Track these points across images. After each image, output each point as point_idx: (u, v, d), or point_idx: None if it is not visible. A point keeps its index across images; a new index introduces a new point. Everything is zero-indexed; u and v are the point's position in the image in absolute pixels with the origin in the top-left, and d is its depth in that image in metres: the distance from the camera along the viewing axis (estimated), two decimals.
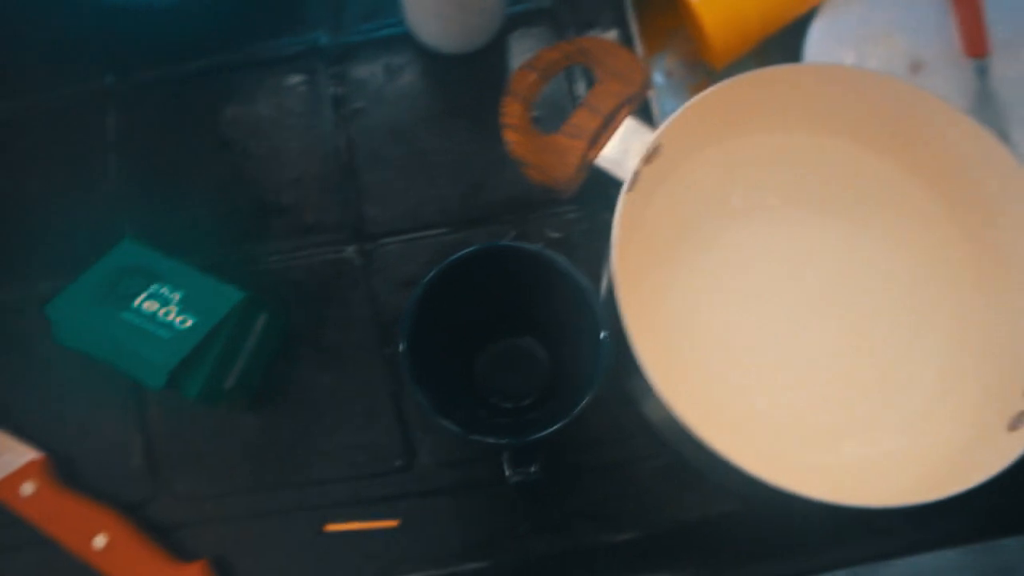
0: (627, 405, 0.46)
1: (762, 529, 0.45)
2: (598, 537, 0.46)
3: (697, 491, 0.46)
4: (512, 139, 0.41)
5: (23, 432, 0.48)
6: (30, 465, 0.47)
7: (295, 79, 0.53)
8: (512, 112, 0.41)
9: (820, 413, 0.43)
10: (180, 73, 0.54)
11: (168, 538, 0.47)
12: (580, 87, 0.52)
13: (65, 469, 0.48)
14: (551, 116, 0.51)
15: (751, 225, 0.47)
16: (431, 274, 0.39)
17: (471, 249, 0.40)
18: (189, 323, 0.41)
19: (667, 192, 0.46)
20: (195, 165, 0.52)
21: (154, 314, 0.41)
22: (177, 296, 0.42)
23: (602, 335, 0.38)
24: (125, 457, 0.48)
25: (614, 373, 0.38)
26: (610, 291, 0.39)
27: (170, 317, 0.41)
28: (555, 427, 0.37)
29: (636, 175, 0.40)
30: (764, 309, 0.45)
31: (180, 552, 0.47)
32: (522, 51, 0.53)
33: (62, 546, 0.46)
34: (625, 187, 0.40)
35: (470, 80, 0.52)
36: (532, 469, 0.40)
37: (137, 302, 0.41)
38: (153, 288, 0.42)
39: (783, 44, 0.53)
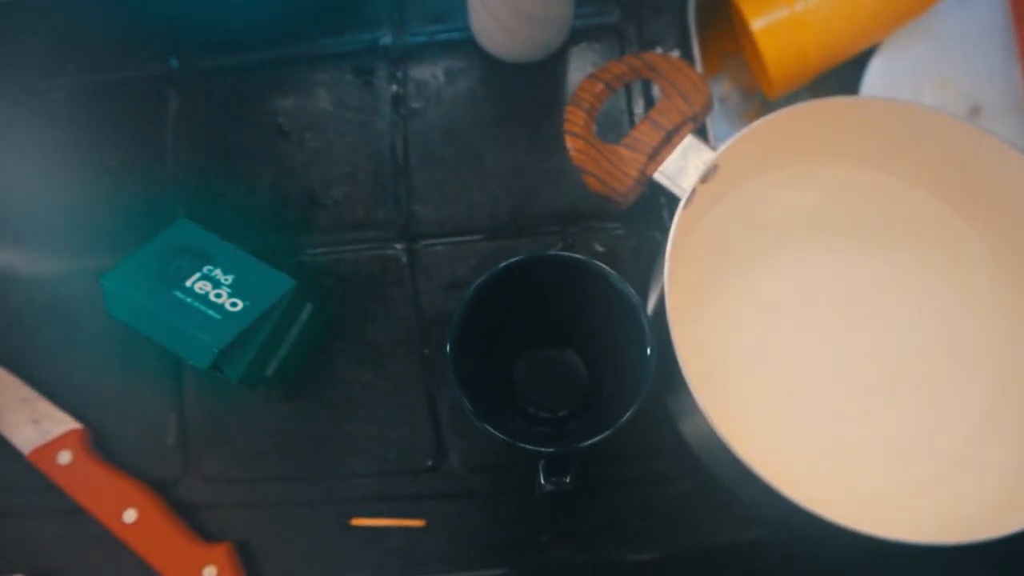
0: (660, 424, 0.46)
1: (790, 559, 0.45)
2: (621, 554, 0.46)
3: (725, 515, 0.46)
4: (574, 146, 0.41)
5: (64, 403, 0.49)
6: (68, 435, 0.48)
7: (355, 76, 0.54)
8: (576, 119, 0.42)
9: (858, 445, 0.43)
10: (242, 62, 0.54)
11: (195, 518, 0.48)
12: (638, 104, 0.52)
13: (101, 442, 0.49)
14: (608, 130, 0.52)
15: (796, 253, 0.47)
16: (482, 279, 0.40)
17: (524, 256, 0.40)
18: (239, 306, 0.41)
19: (717, 214, 0.46)
20: (251, 153, 0.53)
21: (205, 295, 0.41)
22: (229, 279, 0.42)
23: (649, 351, 0.38)
24: (160, 435, 0.49)
25: (654, 389, 0.38)
26: (659, 306, 0.39)
27: (221, 299, 0.41)
28: (599, 437, 0.37)
29: (693, 193, 0.40)
30: (805, 336, 0.45)
31: (205, 533, 0.47)
32: (584, 65, 0.53)
33: (93, 517, 0.46)
34: (682, 204, 0.40)
35: (530, 90, 0.53)
36: (567, 479, 0.40)
37: (190, 282, 0.42)
38: (206, 269, 0.42)
39: (840, 79, 0.53)
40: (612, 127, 0.52)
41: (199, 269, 0.42)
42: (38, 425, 0.49)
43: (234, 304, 0.41)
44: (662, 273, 0.39)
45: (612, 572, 0.46)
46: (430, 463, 0.48)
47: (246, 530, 0.48)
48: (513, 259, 0.39)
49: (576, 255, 0.40)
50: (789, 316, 0.46)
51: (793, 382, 0.44)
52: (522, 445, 0.38)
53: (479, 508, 0.47)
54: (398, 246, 0.51)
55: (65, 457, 0.47)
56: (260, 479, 0.48)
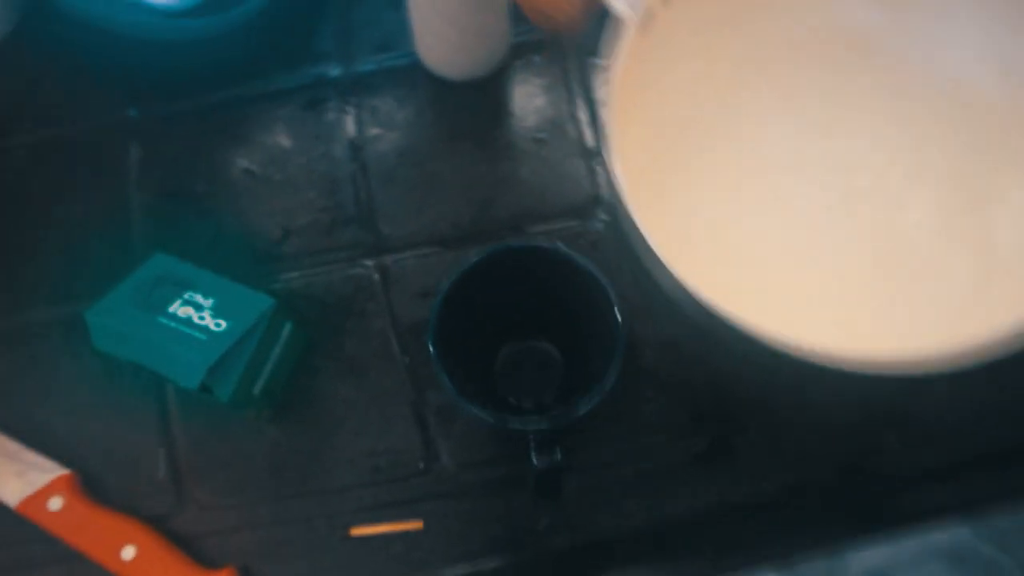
0: (638, 401, 0.48)
1: (778, 517, 0.47)
2: (616, 528, 0.47)
3: (714, 480, 0.48)
4: None
5: (50, 450, 0.49)
6: (57, 481, 0.48)
7: (309, 108, 0.56)
8: None
9: (844, 293, 0.41)
10: (199, 105, 0.57)
11: (193, 548, 0.48)
12: (582, 110, 0.55)
13: (92, 484, 0.49)
14: (555, 137, 0.55)
15: (764, 109, 0.44)
16: (455, 274, 0.42)
17: (494, 248, 0.42)
18: (223, 326, 0.43)
19: (675, 76, 0.43)
20: (215, 191, 0.55)
21: (189, 318, 0.43)
22: (210, 302, 0.44)
23: (619, 317, 0.40)
24: (150, 470, 0.49)
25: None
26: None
27: (204, 321, 0.43)
28: (587, 406, 0.39)
29: (649, 13, 0.37)
30: (781, 190, 0.44)
31: (206, 561, 0.48)
32: (525, 77, 0.56)
33: (90, 560, 0.46)
34: (631, 22, 0.37)
35: (477, 105, 0.56)
36: (558, 456, 0.41)
37: (172, 308, 0.43)
38: (187, 295, 0.44)
39: None
40: (559, 134, 0.55)
41: (180, 295, 0.44)
42: (24, 477, 0.49)
43: (218, 325, 0.43)
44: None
45: (607, 548, 0.47)
46: (421, 466, 0.49)
47: (246, 554, 0.48)
48: (479, 255, 0.42)
49: (541, 243, 0.43)
50: (760, 172, 0.44)
51: (768, 233, 0.43)
52: (512, 426, 0.40)
53: (474, 504, 0.48)
54: (368, 263, 0.53)
55: (56, 504, 0.47)
56: (254, 502, 0.49)
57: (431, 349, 0.41)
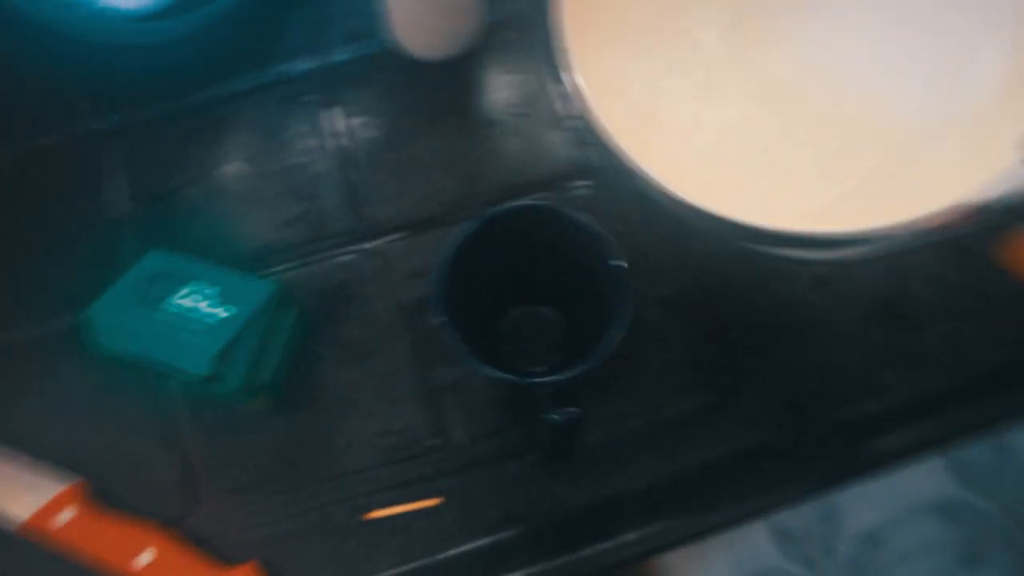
0: (641, 343, 0.49)
1: (776, 465, 0.48)
2: (629, 484, 0.48)
3: (721, 430, 0.49)
4: None
5: (59, 461, 0.48)
6: (68, 491, 0.47)
7: (288, 103, 0.56)
8: None
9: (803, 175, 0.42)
10: (180, 107, 0.56)
11: (211, 547, 0.47)
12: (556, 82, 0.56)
13: (103, 493, 0.48)
14: (533, 111, 0.56)
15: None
16: (456, 241, 0.42)
17: (491, 211, 0.43)
18: (227, 313, 0.43)
19: None
20: (203, 191, 0.54)
21: (193, 308, 0.43)
22: (212, 291, 0.43)
23: (624, 264, 0.41)
24: (161, 472, 0.49)
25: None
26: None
27: (209, 309, 0.43)
28: (596, 355, 0.39)
29: None
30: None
31: (225, 559, 0.47)
32: (499, 54, 0.57)
33: (108, 570, 0.46)
34: None
35: (454, 84, 0.56)
36: (569, 409, 0.42)
37: (174, 300, 0.43)
38: (188, 286, 0.43)
39: None
40: (537, 107, 0.56)
41: (181, 287, 0.43)
42: (34, 490, 0.48)
43: (223, 311, 0.43)
44: None
45: (619, 506, 0.48)
46: (434, 442, 0.49)
47: (266, 548, 0.48)
48: (482, 216, 0.42)
49: (537, 203, 0.43)
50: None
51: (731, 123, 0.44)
52: (527, 380, 0.40)
53: (491, 474, 0.48)
54: (361, 248, 0.53)
55: (68, 514, 0.47)
56: (268, 495, 0.48)
57: (442, 318, 0.41)
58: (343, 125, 0.56)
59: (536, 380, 0.40)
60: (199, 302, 0.43)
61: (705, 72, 0.45)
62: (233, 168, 0.55)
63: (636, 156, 0.38)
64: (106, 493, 0.48)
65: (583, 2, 0.40)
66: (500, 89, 0.57)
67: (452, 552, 0.47)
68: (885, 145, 0.41)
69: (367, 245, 0.53)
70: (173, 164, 0.55)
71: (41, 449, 0.49)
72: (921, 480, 1.19)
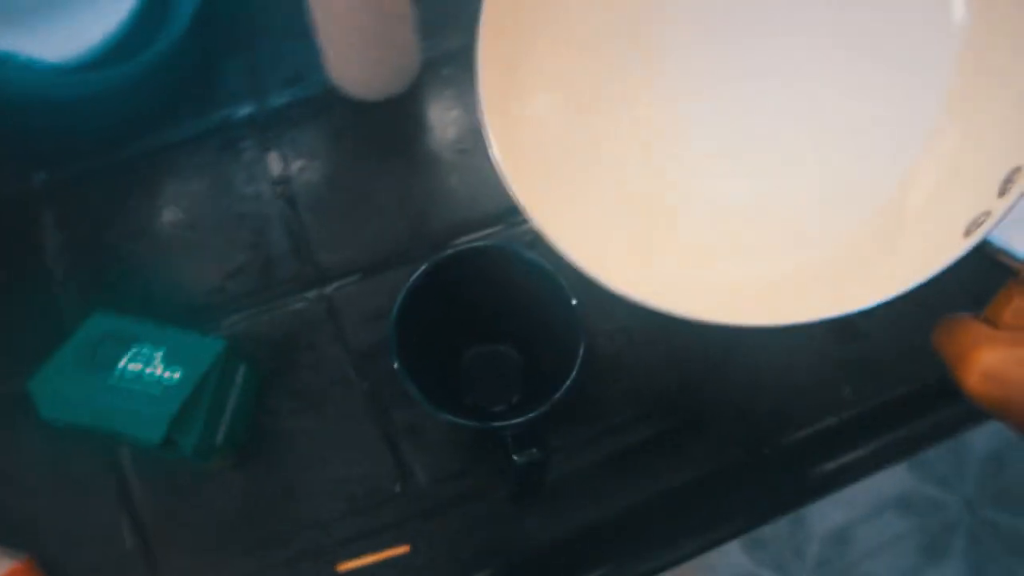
0: (603, 381, 0.49)
1: (743, 485, 0.48)
2: (599, 513, 0.48)
3: (687, 456, 0.49)
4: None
5: (3, 537, 0.46)
6: (15, 571, 0.45)
7: (226, 150, 0.55)
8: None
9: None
10: (111, 161, 0.55)
11: None
12: None
13: (53, 568, 0.46)
14: (476, 146, 0.55)
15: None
16: (406, 288, 0.42)
17: (439, 256, 0.43)
18: (177, 375, 0.41)
19: None
20: (140, 247, 0.53)
21: (140, 373, 0.41)
22: (159, 354, 0.42)
23: (573, 301, 0.41)
24: (115, 541, 0.47)
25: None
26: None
27: (157, 373, 0.41)
28: (558, 394, 0.39)
29: None
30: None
31: None
32: (439, 90, 0.57)
33: None
34: None
35: (396, 123, 0.56)
36: (536, 450, 0.42)
37: (121, 364, 0.41)
38: (134, 349, 0.42)
39: None
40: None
41: (127, 351, 0.42)
42: None
43: (172, 374, 0.41)
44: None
45: (593, 534, 0.48)
46: (398, 487, 0.48)
47: None
48: (431, 260, 0.42)
49: (485, 244, 0.43)
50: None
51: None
52: (494, 426, 0.40)
53: (458, 516, 0.48)
54: (310, 295, 0.52)
55: None
56: (233, 555, 0.47)
57: (396, 364, 0.41)
58: (284, 170, 0.55)
59: (496, 424, 0.40)
60: (148, 366, 0.41)
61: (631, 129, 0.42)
62: (173, 219, 0.54)
63: (553, 232, 0.37)
64: (59, 567, 0.46)
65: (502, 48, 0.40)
66: (442, 126, 0.57)
67: None
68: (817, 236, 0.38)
69: (316, 292, 0.52)
70: (110, 219, 0.54)
71: None
72: (882, 476, 1.21)
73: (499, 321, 0.48)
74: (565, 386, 0.40)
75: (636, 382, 0.50)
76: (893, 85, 0.38)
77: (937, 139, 0.36)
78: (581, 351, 0.40)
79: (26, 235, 0.53)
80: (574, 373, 0.40)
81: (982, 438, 1.24)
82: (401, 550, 0.47)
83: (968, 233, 0.30)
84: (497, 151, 0.38)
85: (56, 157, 0.55)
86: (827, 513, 1.20)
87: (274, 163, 0.55)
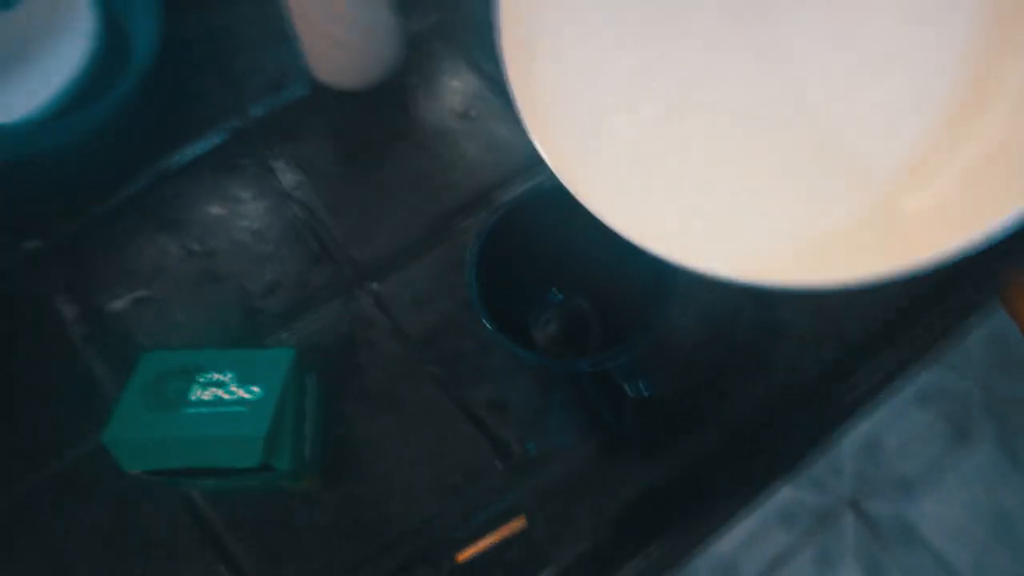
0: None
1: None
2: (703, 441, 0.46)
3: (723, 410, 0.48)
4: None
5: None
6: None
7: (227, 169, 0.52)
8: None
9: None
10: (109, 207, 0.51)
11: None
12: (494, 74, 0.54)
13: None
14: (482, 109, 0.54)
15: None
16: (481, 237, 0.40)
17: (512, 200, 0.41)
18: (257, 392, 0.38)
19: None
20: (161, 288, 0.50)
21: (218, 398, 0.38)
22: (229, 376, 0.39)
23: None
24: None
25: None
26: None
27: (235, 394, 0.38)
28: (658, 323, 0.38)
29: None
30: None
31: None
32: (431, 64, 0.55)
33: None
34: None
35: (396, 106, 0.54)
36: (643, 386, 0.40)
37: (194, 396, 0.38)
38: (202, 378, 0.39)
39: None
40: (484, 104, 0.54)
41: (195, 381, 0.39)
42: None
43: (250, 392, 0.39)
44: None
45: (702, 466, 0.46)
46: (499, 465, 0.46)
47: None
48: (503, 207, 0.40)
49: (549, 186, 0.41)
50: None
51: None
52: (604, 364, 0.38)
53: (565, 478, 0.46)
54: (355, 293, 0.49)
55: None
56: (344, 575, 0.44)
57: (487, 326, 0.39)
58: (292, 177, 0.52)
59: (609, 364, 0.38)
60: (223, 389, 0.38)
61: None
62: (188, 252, 0.50)
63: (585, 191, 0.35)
64: None
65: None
66: (442, 99, 0.55)
67: (555, 568, 0.44)
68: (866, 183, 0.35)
69: (359, 289, 0.50)
70: (119, 268, 0.50)
71: None
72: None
73: (570, 271, 0.46)
74: (661, 316, 0.38)
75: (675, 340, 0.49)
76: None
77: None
78: (674, 282, 0.39)
79: (37, 305, 0.49)
80: (668, 302, 0.38)
81: (981, 323, 1.26)
82: (518, 524, 0.45)
83: None
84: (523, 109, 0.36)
85: (45, 219, 0.51)
86: (854, 425, 1.21)
87: (279, 172, 0.52)
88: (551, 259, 0.45)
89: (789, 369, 0.48)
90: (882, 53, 0.35)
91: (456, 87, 0.55)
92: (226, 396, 0.38)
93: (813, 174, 0.36)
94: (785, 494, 1.17)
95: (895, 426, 1.21)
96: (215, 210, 0.51)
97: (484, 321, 0.38)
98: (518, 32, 0.37)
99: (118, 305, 0.49)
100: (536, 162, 0.52)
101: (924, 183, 0.33)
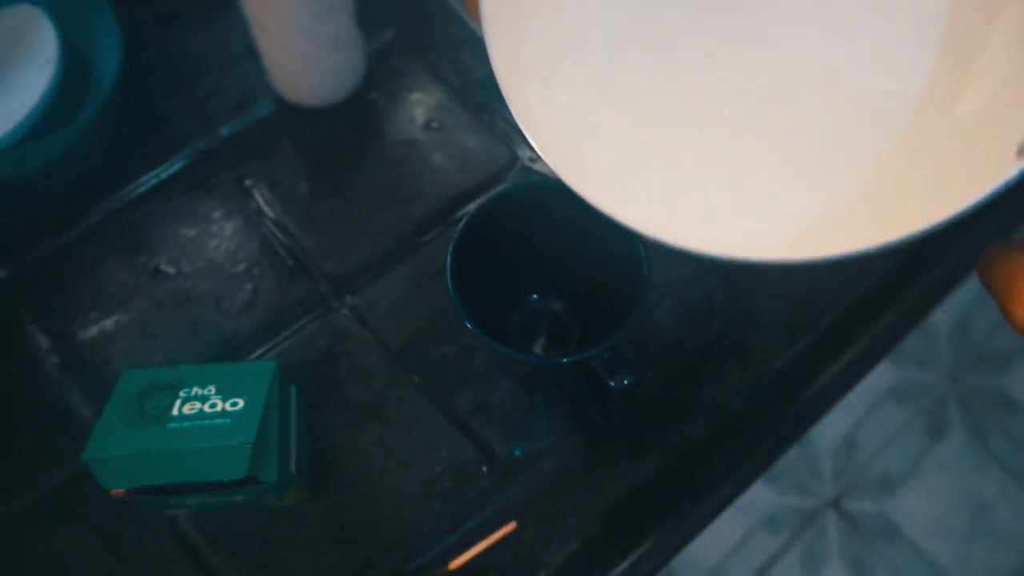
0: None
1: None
2: (688, 433, 0.47)
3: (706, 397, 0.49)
4: None
5: None
6: None
7: (197, 190, 0.52)
8: None
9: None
10: (79, 231, 0.51)
11: None
12: (455, 83, 0.55)
13: None
14: (446, 119, 0.54)
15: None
16: (455, 239, 0.40)
17: (486, 199, 0.41)
18: (240, 404, 0.38)
19: None
20: (135, 311, 0.49)
21: (200, 411, 0.38)
22: (212, 389, 0.39)
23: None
24: None
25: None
26: None
27: (218, 407, 0.38)
28: (636, 314, 0.38)
29: None
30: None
31: None
32: (393, 78, 0.56)
33: None
34: None
35: (360, 120, 0.54)
36: (626, 375, 0.40)
37: (176, 411, 0.38)
38: (183, 392, 0.38)
39: None
40: (448, 114, 0.54)
41: (176, 396, 0.38)
42: None
43: (234, 404, 0.38)
44: None
45: (689, 459, 0.47)
46: (485, 469, 0.46)
47: None
48: (475, 207, 0.40)
49: (534, 178, 0.42)
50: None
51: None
52: (586, 356, 0.38)
53: (552, 476, 0.46)
54: (332, 306, 0.49)
55: None
56: None
57: (469, 327, 0.39)
58: (262, 195, 0.52)
59: (590, 355, 0.38)
60: (205, 403, 0.38)
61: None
62: (162, 273, 0.50)
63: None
64: None
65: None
66: (407, 111, 0.55)
67: (546, 570, 0.44)
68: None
69: (336, 302, 0.50)
70: (93, 293, 0.49)
71: None
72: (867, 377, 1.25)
73: (545, 272, 0.46)
74: (639, 308, 0.39)
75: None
76: None
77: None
78: (646, 271, 0.39)
79: (9, 335, 0.48)
80: (646, 290, 0.39)
81: (942, 314, 1.29)
82: (508, 528, 0.45)
83: (1022, 152, 0.27)
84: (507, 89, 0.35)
85: (11, 248, 0.50)
86: (829, 426, 1.22)
87: (249, 191, 0.52)
88: (526, 260, 0.45)
89: (763, 354, 0.49)
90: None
91: (419, 99, 0.55)
92: (209, 409, 0.38)
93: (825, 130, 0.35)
94: (768, 499, 1.18)
95: (870, 424, 1.23)
96: (186, 231, 0.51)
97: (465, 323, 0.39)
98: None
99: (92, 332, 0.48)
100: (504, 168, 0.53)
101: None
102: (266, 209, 0.52)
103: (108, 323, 0.49)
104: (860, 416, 1.23)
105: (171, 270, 0.50)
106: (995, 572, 1.14)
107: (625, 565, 0.43)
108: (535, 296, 0.48)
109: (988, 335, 1.28)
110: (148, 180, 0.52)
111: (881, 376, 1.25)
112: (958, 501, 1.18)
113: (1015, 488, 1.19)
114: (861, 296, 0.51)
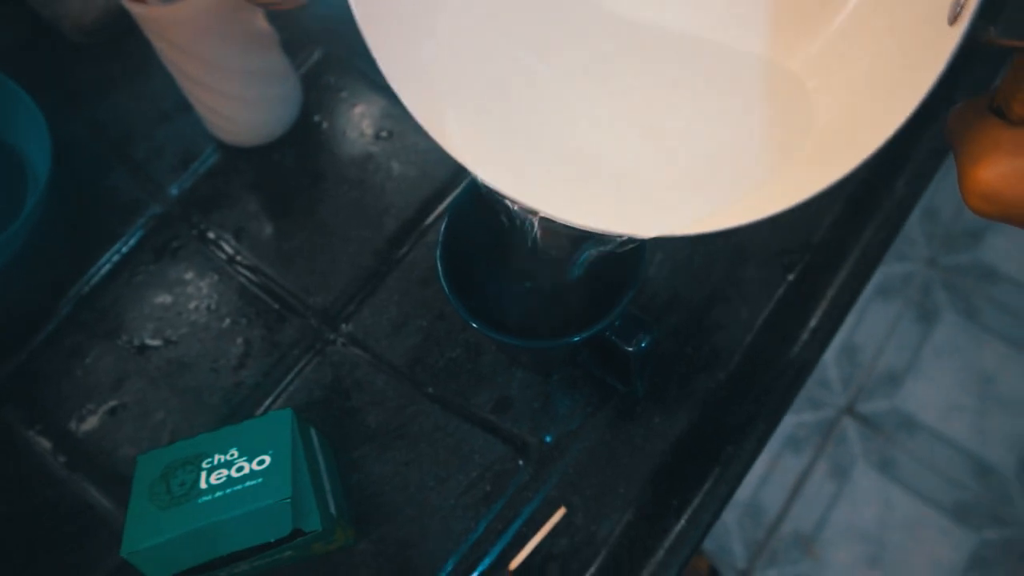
0: None
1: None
2: (710, 380, 0.47)
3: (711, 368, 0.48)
4: None
5: None
6: None
7: (161, 255, 0.51)
8: None
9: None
10: (46, 333, 0.49)
11: None
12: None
13: None
14: (396, 125, 0.53)
15: None
16: (440, 238, 0.39)
17: (458, 192, 0.40)
18: (267, 459, 0.37)
19: None
20: (130, 392, 0.47)
21: (229, 478, 0.37)
22: (234, 452, 0.38)
23: None
24: None
25: None
26: None
27: (246, 469, 0.37)
28: (639, 276, 0.38)
29: None
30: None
31: None
32: (332, 97, 0.54)
33: None
34: None
35: (309, 147, 0.53)
36: (643, 343, 0.39)
37: (203, 483, 0.37)
38: (206, 463, 0.37)
39: None
40: (397, 119, 0.53)
41: (200, 469, 0.37)
42: None
43: (261, 462, 0.37)
44: None
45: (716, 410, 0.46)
46: (521, 460, 0.45)
47: None
48: (455, 196, 0.40)
49: None
50: None
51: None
52: (598, 328, 0.38)
53: (591, 455, 0.45)
54: (327, 339, 0.48)
55: None
56: None
57: (474, 325, 0.38)
58: (228, 245, 0.51)
59: (602, 326, 0.38)
60: (231, 468, 0.37)
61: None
62: (148, 347, 0.48)
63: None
64: None
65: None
66: (353, 127, 0.54)
67: (607, 546, 0.43)
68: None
69: (332, 333, 0.48)
70: (81, 387, 0.48)
71: None
72: None
73: (531, 254, 0.46)
74: (641, 266, 0.38)
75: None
76: None
77: None
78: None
79: (10, 447, 0.47)
80: (643, 247, 0.38)
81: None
82: (559, 515, 0.44)
83: (954, 21, 0.25)
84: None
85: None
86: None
87: (214, 244, 0.51)
88: (512, 247, 0.44)
89: (765, 285, 0.49)
90: None
91: (363, 112, 0.54)
92: (237, 474, 0.37)
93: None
94: (785, 421, 1.19)
95: (864, 326, 1.24)
96: (162, 299, 0.50)
97: (470, 322, 0.38)
98: None
99: (92, 423, 0.47)
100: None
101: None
102: (237, 258, 0.50)
103: (106, 411, 0.47)
104: (853, 320, 1.24)
105: (157, 342, 0.48)
106: (1012, 438, 1.17)
107: (683, 522, 0.43)
108: (528, 285, 0.47)
109: (955, 214, 1.30)
110: (110, 258, 0.51)
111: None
112: (963, 379, 1.20)
113: (1013, 354, 1.21)
114: (844, 208, 0.51)
